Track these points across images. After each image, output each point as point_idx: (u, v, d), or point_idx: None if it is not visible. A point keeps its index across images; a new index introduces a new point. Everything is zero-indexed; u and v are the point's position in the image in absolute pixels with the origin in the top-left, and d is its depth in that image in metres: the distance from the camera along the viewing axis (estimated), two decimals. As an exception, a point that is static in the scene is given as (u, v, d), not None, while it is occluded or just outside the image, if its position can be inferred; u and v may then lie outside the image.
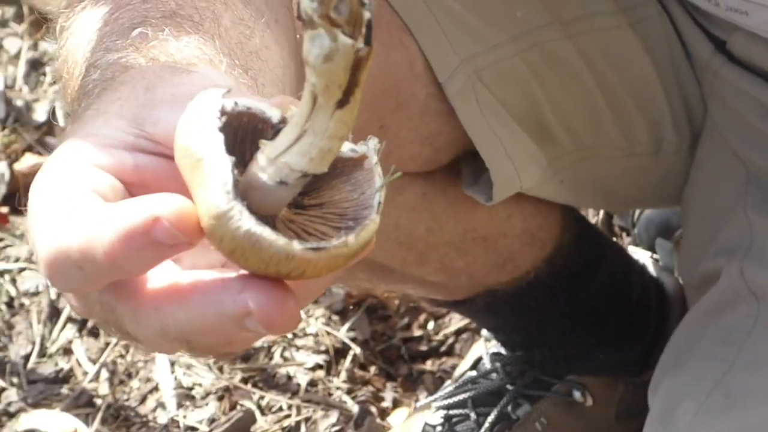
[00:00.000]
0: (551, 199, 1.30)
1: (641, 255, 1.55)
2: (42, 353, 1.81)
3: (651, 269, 1.50)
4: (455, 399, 1.44)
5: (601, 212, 1.73)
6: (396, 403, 1.68)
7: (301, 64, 0.76)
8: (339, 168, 0.59)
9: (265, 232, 0.54)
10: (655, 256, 1.56)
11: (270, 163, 0.56)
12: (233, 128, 0.57)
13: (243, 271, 0.57)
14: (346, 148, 0.60)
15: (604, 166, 1.27)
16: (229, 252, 0.55)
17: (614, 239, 1.67)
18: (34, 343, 1.81)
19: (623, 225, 1.70)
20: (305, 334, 1.79)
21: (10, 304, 1.86)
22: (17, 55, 2.12)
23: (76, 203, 0.59)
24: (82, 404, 1.75)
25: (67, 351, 1.81)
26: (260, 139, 0.58)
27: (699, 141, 1.25)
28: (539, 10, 1.17)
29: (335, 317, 1.79)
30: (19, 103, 2.06)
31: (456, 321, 1.73)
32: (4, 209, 1.96)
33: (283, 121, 0.59)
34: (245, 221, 0.54)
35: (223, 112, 0.56)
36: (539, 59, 1.18)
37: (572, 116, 1.22)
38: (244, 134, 0.59)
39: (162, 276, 0.58)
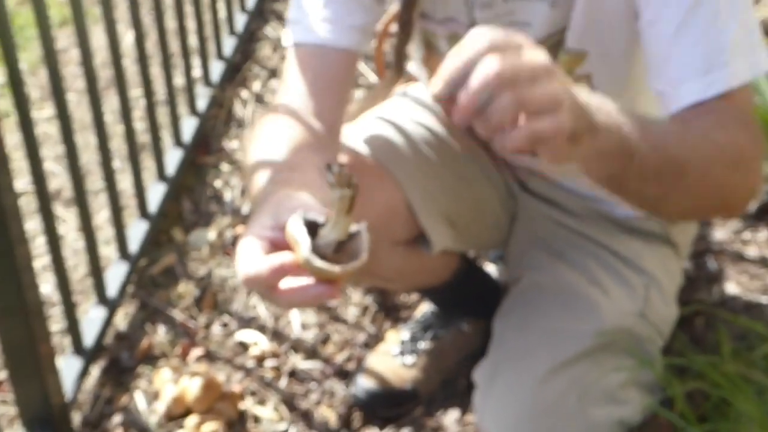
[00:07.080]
0: (454, 250, 1.93)
1: (490, 268, 2.31)
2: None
3: (493, 274, 2.24)
4: (414, 325, 2.18)
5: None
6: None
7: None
8: (350, 237, 1.09)
9: (324, 265, 1.05)
10: (494, 267, 2.30)
11: (323, 237, 1.08)
12: (307, 223, 1.09)
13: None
14: (352, 228, 1.09)
15: (480, 235, 1.96)
16: (310, 272, 1.06)
17: (479, 263, 2.26)
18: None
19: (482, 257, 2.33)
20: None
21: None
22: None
23: (253, 255, 1.10)
24: None
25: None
26: (317, 227, 1.09)
27: (514, 222, 1.95)
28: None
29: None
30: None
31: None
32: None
33: (327, 221, 1.09)
34: (316, 262, 1.06)
35: (304, 220, 1.09)
36: (457, 181, 1.82)
37: (464, 212, 1.88)
38: (311, 225, 1.09)
39: (283, 282, 1.08)
